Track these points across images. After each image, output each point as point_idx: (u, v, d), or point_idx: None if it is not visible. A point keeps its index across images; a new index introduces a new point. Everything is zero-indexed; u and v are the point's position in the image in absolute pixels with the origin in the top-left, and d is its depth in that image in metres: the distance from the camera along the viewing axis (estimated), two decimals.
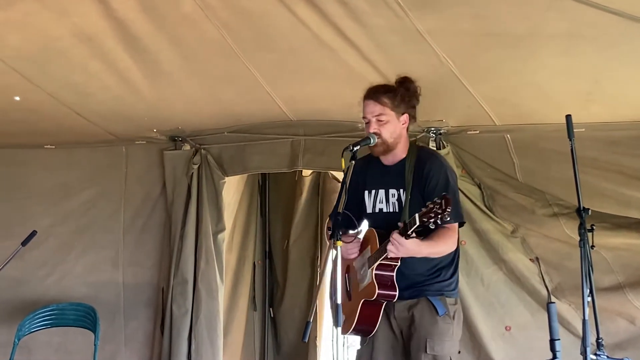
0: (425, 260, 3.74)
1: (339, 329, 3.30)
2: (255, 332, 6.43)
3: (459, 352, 3.91)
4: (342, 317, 3.31)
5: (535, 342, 4.58)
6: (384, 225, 3.75)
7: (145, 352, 5.78)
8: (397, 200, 3.85)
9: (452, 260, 3.90)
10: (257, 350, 6.43)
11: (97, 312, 5.47)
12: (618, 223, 4.51)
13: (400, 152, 3.88)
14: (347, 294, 3.95)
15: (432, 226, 3.35)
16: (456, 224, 3.80)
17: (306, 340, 3.33)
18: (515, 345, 4.82)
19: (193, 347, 5.45)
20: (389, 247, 3.52)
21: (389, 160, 3.90)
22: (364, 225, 4.02)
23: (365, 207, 3.95)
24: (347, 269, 4.00)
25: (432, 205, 3.32)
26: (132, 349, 5.81)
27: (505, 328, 4.86)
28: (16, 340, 5.35)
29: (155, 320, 5.74)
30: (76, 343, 5.70)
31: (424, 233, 3.58)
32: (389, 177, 3.89)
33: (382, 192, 3.91)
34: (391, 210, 3.87)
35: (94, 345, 5.34)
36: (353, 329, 3.84)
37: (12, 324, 5.51)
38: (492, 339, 4.84)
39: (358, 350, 4.01)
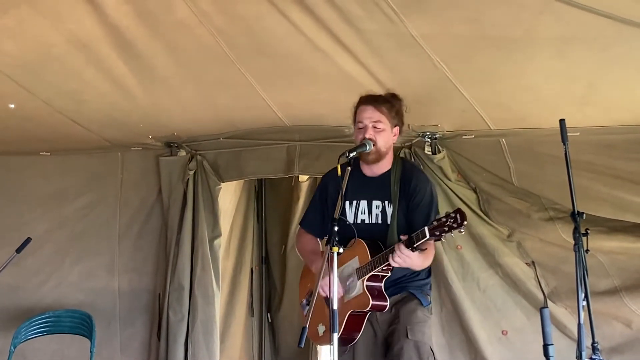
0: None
1: (335, 335, 3.28)
2: (253, 337, 6.42)
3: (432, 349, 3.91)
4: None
5: (531, 345, 4.58)
6: (367, 236, 3.76)
7: (141, 358, 5.77)
8: (381, 211, 3.85)
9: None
10: (255, 356, 6.42)
11: (93, 318, 5.45)
12: (614, 227, 4.52)
13: (386, 164, 3.90)
14: (327, 303, 3.85)
15: (444, 239, 3.38)
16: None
17: (302, 346, 3.31)
18: (512, 349, 4.82)
19: (189, 352, 5.44)
20: (396, 258, 3.52)
21: (372, 171, 3.90)
22: None
23: (346, 217, 3.91)
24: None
25: (444, 219, 3.34)
26: (128, 355, 5.80)
27: (502, 332, 4.86)
28: (12, 347, 5.34)
29: (151, 327, 5.74)
30: (72, 350, 5.68)
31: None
32: (372, 188, 3.89)
33: (364, 203, 3.90)
34: (374, 221, 3.86)
35: (90, 352, 5.32)
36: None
37: (8, 331, 5.50)
38: (489, 343, 4.83)
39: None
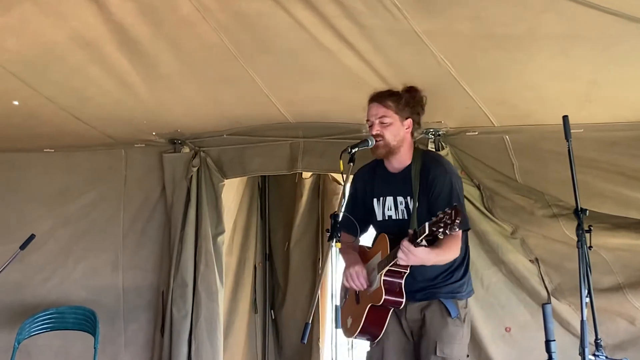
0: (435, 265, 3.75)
1: (339, 330, 3.30)
2: (257, 334, 6.43)
3: (468, 355, 3.91)
4: (340, 319, 3.30)
5: (535, 342, 4.56)
6: (395, 232, 3.76)
7: (145, 355, 5.78)
8: (405, 207, 3.86)
9: (463, 261, 3.93)
10: (259, 353, 6.43)
11: (97, 315, 5.47)
12: (617, 223, 4.51)
13: (405, 158, 3.90)
14: (356, 297, 3.95)
15: (441, 236, 3.37)
16: (460, 232, 3.78)
17: (305, 342, 3.33)
18: (516, 346, 4.82)
19: (193, 349, 5.45)
20: (399, 254, 3.52)
21: (394, 166, 3.92)
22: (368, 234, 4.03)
23: (375, 215, 3.96)
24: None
25: (442, 215, 3.33)
26: (132, 352, 5.81)
27: (505, 329, 4.86)
28: (16, 344, 5.35)
29: (155, 323, 5.75)
30: (76, 346, 5.69)
31: (431, 241, 3.59)
32: (395, 184, 3.90)
33: (390, 199, 3.91)
34: (400, 217, 3.88)
35: (94, 348, 5.34)
36: (359, 333, 3.85)
37: (13, 328, 5.51)
38: (492, 340, 4.83)
39: (368, 352, 4.02)
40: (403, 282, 3.70)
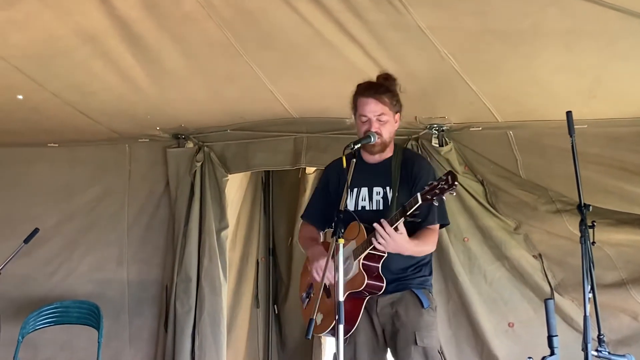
0: (409, 256, 3.75)
1: (341, 326, 3.28)
2: (259, 329, 6.43)
3: (441, 351, 3.91)
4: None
5: (538, 338, 4.53)
6: (367, 223, 3.69)
7: (149, 349, 5.79)
8: (382, 197, 3.83)
9: (429, 259, 3.93)
10: (261, 347, 6.43)
11: (101, 309, 5.48)
12: (621, 219, 4.51)
13: (388, 151, 3.89)
14: (326, 291, 3.86)
15: (436, 203, 3.33)
16: (437, 226, 3.81)
17: (309, 337, 3.32)
18: (518, 341, 4.82)
19: (197, 344, 5.46)
20: (379, 239, 3.49)
21: (374, 158, 3.89)
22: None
23: (347, 205, 3.88)
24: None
25: (435, 183, 3.32)
26: (136, 346, 5.83)
27: (508, 324, 4.86)
28: (20, 337, 5.37)
29: (159, 318, 5.76)
30: (82, 340, 5.71)
31: (411, 231, 3.60)
32: (373, 175, 3.87)
33: (364, 190, 3.88)
34: (375, 208, 3.84)
35: (98, 342, 5.35)
36: (332, 327, 3.72)
37: (19, 321, 5.53)
38: (495, 336, 4.84)
39: (337, 352, 3.96)
40: (380, 266, 3.68)
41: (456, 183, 3.27)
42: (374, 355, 3.88)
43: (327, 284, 3.83)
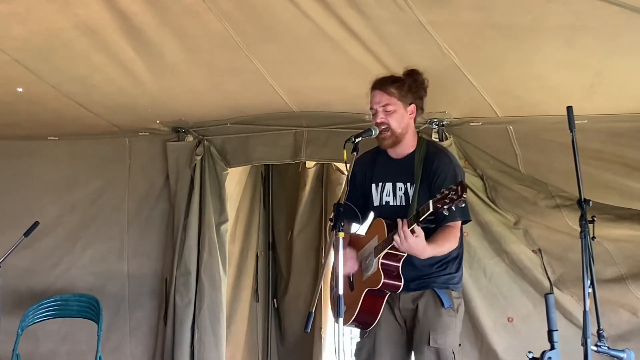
0: None
1: (341, 320, 3.29)
2: (259, 322, 6.44)
3: (460, 344, 3.91)
4: (343, 309, 3.30)
5: (537, 333, 4.55)
6: (392, 218, 3.72)
7: (149, 343, 5.81)
8: (404, 193, 3.85)
9: (457, 255, 3.92)
10: (260, 341, 6.44)
11: (101, 302, 5.49)
12: (621, 214, 4.51)
13: (409, 145, 3.89)
14: (350, 284, 3.94)
15: (445, 212, 3.36)
16: (459, 222, 3.80)
17: (308, 331, 3.33)
18: (518, 336, 4.82)
19: (196, 337, 5.48)
20: (395, 237, 3.51)
21: (397, 153, 3.90)
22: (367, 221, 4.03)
23: (372, 199, 3.95)
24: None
25: (447, 192, 3.33)
26: (137, 339, 5.85)
27: (508, 319, 4.87)
28: (19, 331, 5.37)
29: (159, 311, 5.77)
30: (83, 333, 5.72)
31: (428, 234, 3.59)
32: (396, 170, 3.88)
33: (389, 185, 3.90)
34: (398, 203, 3.86)
35: (97, 335, 5.36)
36: (354, 320, 3.83)
37: (21, 314, 5.54)
38: (495, 330, 4.84)
39: (358, 342, 3.99)
40: (400, 265, 3.70)
41: (465, 195, 3.28)
42: (396, 348, 3.90)
43: (351, 277, 3.86)
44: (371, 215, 4.03)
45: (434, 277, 3.84)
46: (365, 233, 3.98)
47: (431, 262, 3.80)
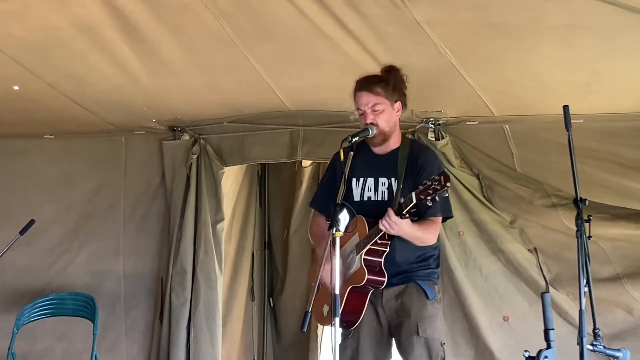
0: (415, 248, 3.79)
1: (337, 319, 3.29)
2: (254, 321, 6.44)
3: (444, 344, 3.91)
4: (339, 309, 3.30)
5: (533, 332, 4.56)
6: (371, 214, 3.75)
7: (145, 341, 5.79)
8: (387, 189, 3.85)
9: (436, 252, 3.96)
10: (256, 340, 6.44)
11: (96, 301, 5.47)
12: (617, 214, 4.52)
13: (394, 142, 3.90)
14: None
15: (429, 203, 3.38)
16: (440, 218, 3.84)
17: (305, 330, 3.34)
18: (513, 335, 4.82)
19: (192, 336, 5.47)
20: (383, 222, 3.54)
21: (381, 149, 3.90)
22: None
23: (353, 195, 3.93)
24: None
25: (429, 183, 3.35)
26: (132, 337, 5.83)
27: (503, 318, 4.87)
28: (15, 329, 5.35)
29: (155, 310, 5.76)
30: (79, 331, 5.70)
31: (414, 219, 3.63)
32: (379, 165, 3.89)
33: (370, 180, 3.90)
34: (380, 199, 3.86)
35: (93, 334, 5.34)
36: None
37: (18, 312, 5.52)
38: (490, 329, 4.85)
39: (341, 344, 3.90)
40: (382, 260, 3.72)
41: (449, 184, 3.30)
42: (377, 348, 3.90)
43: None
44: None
45: (415, 271, 3.87)
46: (345, 232, 3.94)
47: (412, 259, 3.84)
